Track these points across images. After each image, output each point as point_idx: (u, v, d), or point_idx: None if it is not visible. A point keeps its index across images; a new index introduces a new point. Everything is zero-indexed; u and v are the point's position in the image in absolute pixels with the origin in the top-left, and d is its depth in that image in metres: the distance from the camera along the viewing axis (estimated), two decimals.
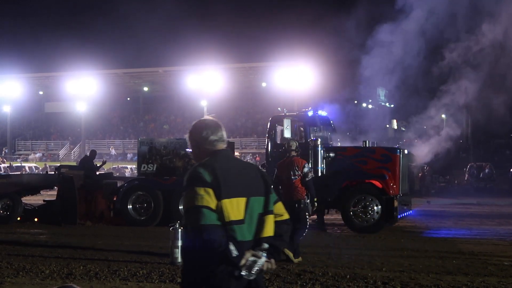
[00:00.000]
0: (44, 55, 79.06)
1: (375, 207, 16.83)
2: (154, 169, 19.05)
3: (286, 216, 4.31)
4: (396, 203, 16.79)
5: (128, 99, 72.17)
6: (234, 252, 3.81)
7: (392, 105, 39.48)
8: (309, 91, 42.58)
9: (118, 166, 52.00)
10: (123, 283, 9.69)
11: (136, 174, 21.39)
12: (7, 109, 61.91)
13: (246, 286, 3.96)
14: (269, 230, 4.09)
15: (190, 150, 4.33)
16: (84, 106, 58.96)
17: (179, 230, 11.27)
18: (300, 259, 11.38)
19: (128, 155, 59.27)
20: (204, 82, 51.66)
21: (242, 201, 4.00)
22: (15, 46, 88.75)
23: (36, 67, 67.17)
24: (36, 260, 11.80)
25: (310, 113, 18.55)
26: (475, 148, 56.08)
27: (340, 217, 18.09)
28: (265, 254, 3.95)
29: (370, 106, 38.22)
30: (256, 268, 3.87)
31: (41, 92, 68.20)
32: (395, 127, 52.77)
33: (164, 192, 18.64)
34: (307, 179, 11.71)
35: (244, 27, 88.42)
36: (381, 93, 45.58)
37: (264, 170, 4.41)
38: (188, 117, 64.05)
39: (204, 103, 54.16)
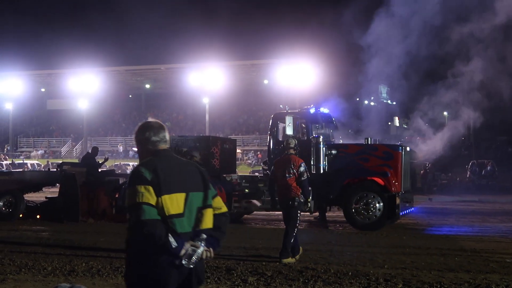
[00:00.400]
0: (46, 53, 79.02)
1: (377, 205, 16.82)
2: None
3: (224, 209, 4.63)
4: (398, 201, 16.79)
5: (130, 96, 72.25)
6: (174, 244, 4.13)
7: (394, 103, 39.45)
8: (311, 89, 42.54)
9: (120, 163, 52.05)
10: None
11: None
12: (9, 106, 61.98)
13: (187, 274, 4.29)
14: (207, 222, 4.44)
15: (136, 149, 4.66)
16: (86, 103, 59.00)
17: None
18: (294, 260, 11.31)
19: (130, 152, 59.31)
20: (206, 79, 51.67)
21: (181, 196, 4.33)
22: (17, 43, 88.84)
23: (38, 64, 67.24)
24: (38, 257, 11.81)
25: (312, 110, 18.55)
26: (477, 145, 56.04)
27: (342, 214, 18.09)
28: (204, 244, 4.28)
29: (372, 103, 38.21)
30: (195, 257, 4.21)
31: (43, 89, 68.27)
32: (397, 124, 52.78)
33: None
34: (302, 178, 11.50)
35: (246, 24, 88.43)
36: (383, 90, 45.57)
37: (204, 168, 4.75)
38: (190, 115, 64.10)
39: (206, 100, 54.16)
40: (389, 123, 46.41)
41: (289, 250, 11.32)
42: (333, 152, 17.82)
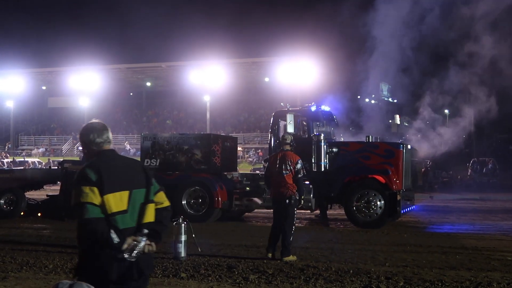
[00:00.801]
0: (47, 50, 79.11)
1: (378, 202, 16.82)
2: (157, 164, 19.04)
3: (166, 203, 4.91)
4: (399, 198, 16.79)
5: (131, 94, 72.22)
6: (116, 239, 4.41)
7: (395, 100, 39.43)
8: (312, 86, 42.51)
9: None
10: None
11: None
12: (10, 104, 61.95)
13: (130, 267, 4.53)
14: (149, 216, 4.70)
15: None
16: (87, 101, 59.01)
17: (182, 225, 11.29)
18: (294, 257, 11.33)
19: (131, 150, 59.32)
20: (207, 77, 51.61)
21: (125, 194, 4.60)
22: (18, 41, 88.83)
23: (39, 62, 67.28)
24: (39, 255, 11.82)
25: (313, 108, 18.54)
26: (478, 143, 56.01)
27: (343, 212, 18.09)
28: (145, 238, 4.53)
29: (373, 101, 38.19)
30: (137, 250, 4.46)
31: (44, 87, 68.23)
32: (398, 122, 52.73)
33: (167, 187, 18.49)
34: (299, 175, 11.49)
35: (247, 22, 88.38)
36: (384, 88, 45.51)
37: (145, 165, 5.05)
38: (191, 112, 64.07)
39: (207, 98, 54.12)
40: (390, 121, 46.32)
41: (289, 248, 11.33)
42: (334, 150, 17.82)
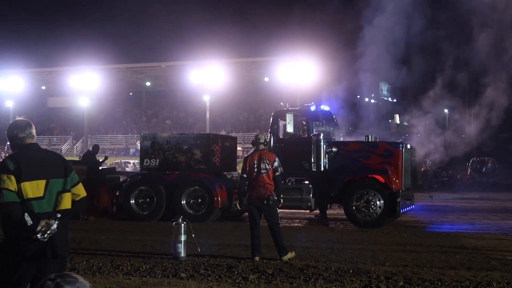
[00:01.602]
0: (46, 50, 79.00)
1: (378, 202, 16.83)
2: (157, 164, 19.04)
3: (82, 195, 5.59)
4: (398, 198, 16.79)
5: (131, 94, 72.20)
6: (29, 222, 5.04)
7: (395, 100, 39.46)
8: (311, 86, 42.48)
9: (120, 161, 52.03)
10: (126, 278, 9.71)
11: (139, 169, 21.40)
12: (9, 104, 61.92)
13: (45, 247, 5.13)
14: (66, 204, 5.37)
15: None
16: (87, 101, 58.97)
17: (182, 225, 11.29)
18: (293, 253, 11.35)
19: (131, 150, 59.32)
20: (206, 77, 51.58)
21: (42, 182, 5.25)
22: (18, 41, 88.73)
23: (39, 62, 67.16)
24: None
25: (313, 108, 18.54)
26: (477, 142, 55.91)
27: (342, 212, 18.10)
28: (57, 222, 5.14)
29: (372, 101, 38.20)
30: (49, 232, 5.07)
31: (43, 87, 68.22)
32: (398, 121, 52.72)
33: (166, 187, 18.64)
34: (277, 173, 11.47)
35: (247, 21, 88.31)
36: (384, 87, 45.55)
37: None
38: (190, 112, 64.05)
39: (206, 98, 54.10)
40: (390, 121, 46.32)
41: (285, 245, 11.32)
42: (334, 149, 17.83)
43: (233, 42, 63.67)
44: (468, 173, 44.40)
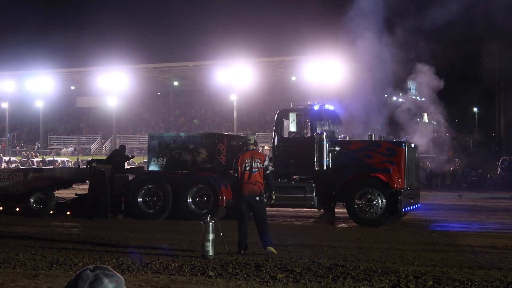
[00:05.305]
0: (75, 51, 79.75)
1: (380, 201, 16.85)
2: (164, 163, 19.34)
3: None
4: (400, 197, 16.75)
5: (158, 93, 72.54)
6: None
7: (423, 99, 39.13)
8: (339, 85, 42.31)
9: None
10: (155, 276, 9.77)
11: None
12: (39, 104, 62.65)
13: None
14: None
15: None
16: (115, 101, 59.38)
17: (210, 224, 11.34)
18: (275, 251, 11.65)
19: None
20: (233, 76, 51.66)
21: None
22: (47, 42, 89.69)
23: (68, 63, 67.77)
24: (69, 253, 11.95)
25: (316, 107, 18.61)
26: (507, 141, 55.35)
27: (344, 210, 18.25)
28: None
29: (400, 100, 37.94)
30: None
31: (72, 87, 68.84)
32: (426, 120, 52.30)
33: (173, 186, 18.89)
34: (267, 172, 12.02)
35: (274, 20, 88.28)
36: (412, 86, 45.17)
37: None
38: (218, 111, 64.20)
39: (233, 97, 54.18)
40: (418, 120, 45.96)
41: (271, 237, 11.84)
42: (337, 148, 17.96)
43: (260, 41, 63.79)
44: (498, 173, 43.84)
